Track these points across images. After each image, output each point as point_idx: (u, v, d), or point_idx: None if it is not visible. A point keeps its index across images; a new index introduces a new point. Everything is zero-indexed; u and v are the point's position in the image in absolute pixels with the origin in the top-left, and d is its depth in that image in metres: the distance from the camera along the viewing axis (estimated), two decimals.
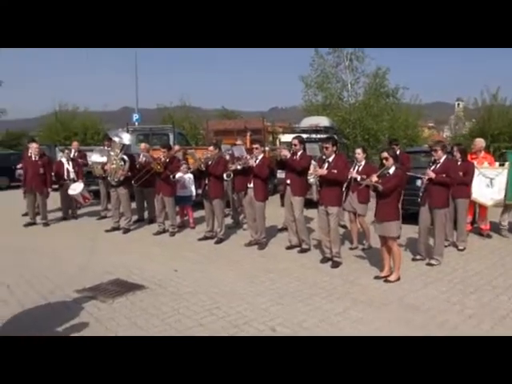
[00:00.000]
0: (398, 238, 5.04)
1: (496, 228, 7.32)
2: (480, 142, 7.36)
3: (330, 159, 5.38)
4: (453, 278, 5.01)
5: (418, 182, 7.34)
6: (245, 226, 7.82)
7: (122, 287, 4.64)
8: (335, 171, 5.25)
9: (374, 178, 4.61)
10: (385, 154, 4.65)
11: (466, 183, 6.36)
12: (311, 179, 5.68)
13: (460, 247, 6.32)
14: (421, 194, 5.61)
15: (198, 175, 6.98)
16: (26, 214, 8.49)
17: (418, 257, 5.75)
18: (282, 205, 9.50)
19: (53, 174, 8.62)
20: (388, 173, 4.64)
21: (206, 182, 6.70)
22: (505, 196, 6.92)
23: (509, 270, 5.33)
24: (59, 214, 8.94)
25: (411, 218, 6.82)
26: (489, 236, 7.14)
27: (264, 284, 4.83)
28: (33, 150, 8.16)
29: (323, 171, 5.28)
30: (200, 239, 6.95)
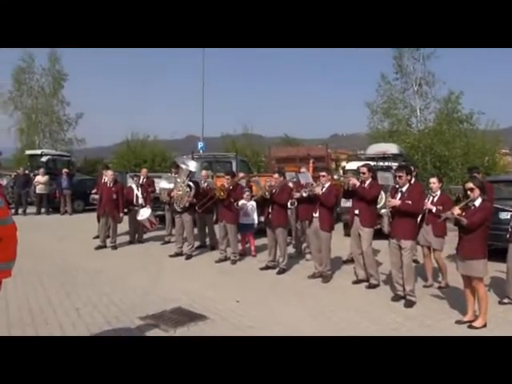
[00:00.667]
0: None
1: None
2: None
3: (404, 189, 5.00)
4: None
5: (503, 215, 6.65)
6: (308, 257, 7.53)
7: (184, 316, 4.56)
8: (409, 202, 4.86)
9: (457, 211, 4.16)
10: (470, 185, 4.20)
11: None
12: (383, 210, 5.32)
13: None
14: (510, 229, 5.00)
15: (262, 203, 6.88)
16: (97, 237, 8.92)
17: (505, 300, 5.08)
18: (346, 235, 9.17)
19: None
20: (474, 205, 4.17)
21: (270, 210, 6.57)
22: None
23: None
24: (127, 238, 9.29)
25: (495, 254, 6.11)
26: None
27: (330, 321, 4.50)
28: (108, 176, 8.62)
29: (396, 202, 4.91)
30: (262, 268, 6.78)
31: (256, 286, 5.91)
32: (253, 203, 7.86)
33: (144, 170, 10.76)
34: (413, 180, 5.90)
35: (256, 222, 7.93)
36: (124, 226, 9.52)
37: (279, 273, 6.53)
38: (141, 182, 9.82)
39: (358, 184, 5.61)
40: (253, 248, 7.96)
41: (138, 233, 9.34)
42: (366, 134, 18.26)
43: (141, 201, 9.23)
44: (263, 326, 4.34)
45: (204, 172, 9.01)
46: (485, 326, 4.23)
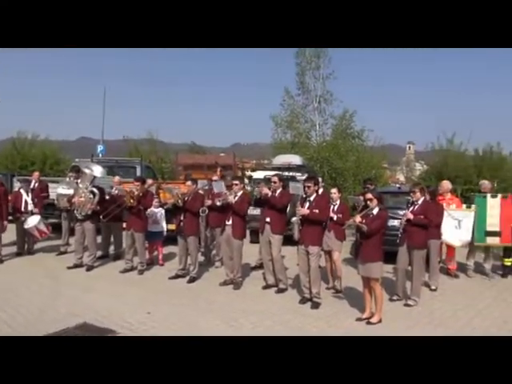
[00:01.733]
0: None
1: (462, 268, 7.53)
2: (447, 184, 7.67)
3: (312, 198, 5.36)
4: (431, 319, 5.02)
5: (390, 222, 7.50)
6: (217, 264, 7.57)
7: (91, 332, 4.24)
8: (317, 211, 5.23)
9: (358, 219, 4.61)
10: (369, 196, 4.70)
11: (437, 225, 6.54)
12: (293, 218, 5.63)
13: (432, 287, 6.39)
14: (399, 235, 5.68)
15: (174, 211, 6.72)
16: None
17: (395, 297, 5.74)
18: (252, 242, 9.44)
19: (10, 205, 8.04)
20: (372, 213, 4.67)
21: (182, 217, 6.46)
22: (472, 237, 7.18)
23: (482, 310, 5.42)
24: (14, 249, 8.27)
25: (385, 257, 6.88)
26: (456, 276, 7.32)
27: (244, 328, 4.60)
28: None
29: (305, 211, 5.24)
30: (171, 277, 6.62)
31: (167, 295, 5.76)
32: (162, 210, 7.66)
33: (36, 174, 9.72)
34: (321, 190, 6.37)
35: (165, 229, 7.73)
36: (9, 235, 8.47)
37: (190, 281, 6.45)
38: (32, 186, 8.86)
39: (269, 193, 5.85)
40: (160, 257, 7.73)
41: (27, 243, 8.38)
42: (269, 144, 19.06)
43: (30, 207, 8.30)
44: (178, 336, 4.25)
45: (116, 178, 8.50)
46: (380, 321, 4.73)
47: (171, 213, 7.09)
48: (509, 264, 7.46)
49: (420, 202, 5.59)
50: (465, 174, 14.82)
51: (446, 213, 6.96)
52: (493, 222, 7.24)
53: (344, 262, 7.72)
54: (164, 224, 7.72)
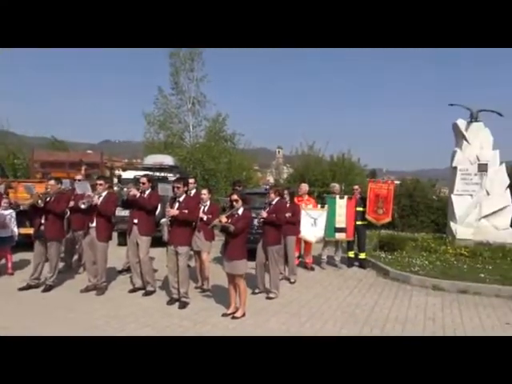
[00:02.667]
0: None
1: (317, 261, 8.48)
2: (305, 187, 8.54)
3: (181, 199, 5.42)
4: (290, 309, 5.54)
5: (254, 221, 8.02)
6: (80, 270, 7.07)
7: None
8: (186, 211, 5.31)
9: (224, 219, 4.84)
10: (235, 197, 4.96)
11: (294, 222, 7.23)
12: (162, 219, 5.59)
13: (291, 280, 7.07)
14: (254, 232, 6.16)
15: (31, 213, 6.01)
16: None
17: (256, 290, 6.18)
18: (120, 244, 9.04)
19: None
20: (237, 213, 4.95)
21: (43, 220, 5.81)
22: (324, 233, 8.15)
23: (330, 298, 6.20)
24: None
25: (250, 254, 7.33)
26: (312, 269, 8.21)
27: (106, 333, 4.40)
28: None
29: (175, 211, 5.27)
30: (21, 289, 5.91)
31: (19, 307, 5.15)
32: (12, 213, 6.80)
33: None
34: (193, 191, 6.47)
35: (16, 234, 6.88)
36: None
37: (46, 290, 5.88)
38: None
39: (138, 194, 5.70)
40: (10, 265, 6.86)
41: None
42: (142, 143, 18.44)
43: None
44: None
45: None
46: (244, 315, 5.05)
47: (25, 215, 6.34)
48: (352, 256, 8.69)
49: (274, 202, 6.13)
50: (322, 177, 16.69)
51: (303, 212, 7.76)
52: (340, 219, 8.35)
53: (214, 261, 7.99)
54: (15, 228, 6.86)
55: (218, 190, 14.93)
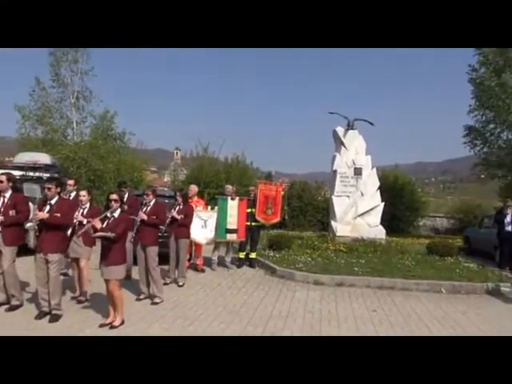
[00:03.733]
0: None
1: (208, 263, 8.47)
2: (194, 188, 8.48)
3: (53, 201, 4.89)
4: (175, 313, 5.40)
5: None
6: None
7: None
8: (58, 215, 4.80)
9: (98, 223, 4.47)
10: (114, 196, 4.64)
11: (186, 225, 7.11)
12: (28, 224, 4.97)
13: (180, 283, 6.92)
14: (134, 235, 5.94)
15: None
16: None
17: (141, 296, 5.92)
18: None
19: None
20: (114, 216, 4.64)
21: None
22: (215, 235, 8.17)
23: (217, 299, 6.21)
24: None
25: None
26: (203, 270, 8.17)
27: None
28: None
29: (44, 215, 4.73)
30: None
31: None
32: None
33: None
34: (73, 193, 5.92)
35: None
36: None
37: None
38: None
39: None
40: None
41: None
42: (18, 140, 16.39)
43: None
44: None
45: None
46: (123, 323, 4.76)
47: None
48: (242, 256, 8.88)
49: (152, 203, 6.03)
50: (216, 179, 16.79)
51: (194, 214, 7.68)
52: (232, 220, 8.46)
53: (95, 268, 7.41)
54: None
55: (105, 191, 13.96)
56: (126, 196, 6.85)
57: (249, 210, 8.68)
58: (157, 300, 5.75)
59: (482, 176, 16.69)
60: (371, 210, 10.90)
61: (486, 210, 18.22)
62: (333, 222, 11.02)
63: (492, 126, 15.67)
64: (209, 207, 8.47)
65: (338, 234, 10.61)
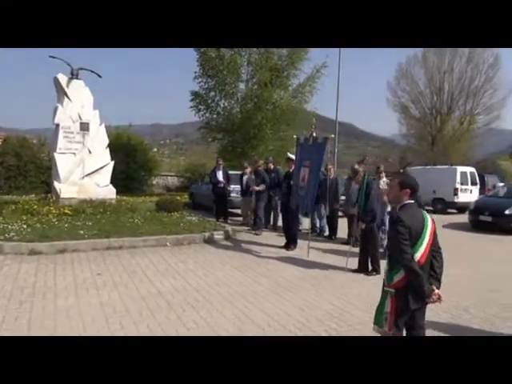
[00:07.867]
0: None
1: None
2: None
3: None
4: None
5: None
6: None
7: None
8: None
9: None
10: None
11: None
12: None
13: None
14: None
15: None
16: None
17: None
18: None
19: None
20: None
21: None
22: None
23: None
24: None
25: None
26: None
27: None
28: None
29: None
30: None
31: None
32: None
33: None
34: None
35: None
36: None
37: None
38: None
39: None
40: None
41: None
42: None
43: None
44: None
45: None
46: None
47: None
48: None
49: None
50: None
51: None
52: None
53: None
54: None
55: None
56: None
57: None
58: None
59: (210, 140, 18.42)
60: (100, 168, 10.31)
61: (209, 168, 20.63)
62: (56, 183, 9.81)
63: (213, 93, 17.41)
64: None
65: (62, 196, 9.56)
